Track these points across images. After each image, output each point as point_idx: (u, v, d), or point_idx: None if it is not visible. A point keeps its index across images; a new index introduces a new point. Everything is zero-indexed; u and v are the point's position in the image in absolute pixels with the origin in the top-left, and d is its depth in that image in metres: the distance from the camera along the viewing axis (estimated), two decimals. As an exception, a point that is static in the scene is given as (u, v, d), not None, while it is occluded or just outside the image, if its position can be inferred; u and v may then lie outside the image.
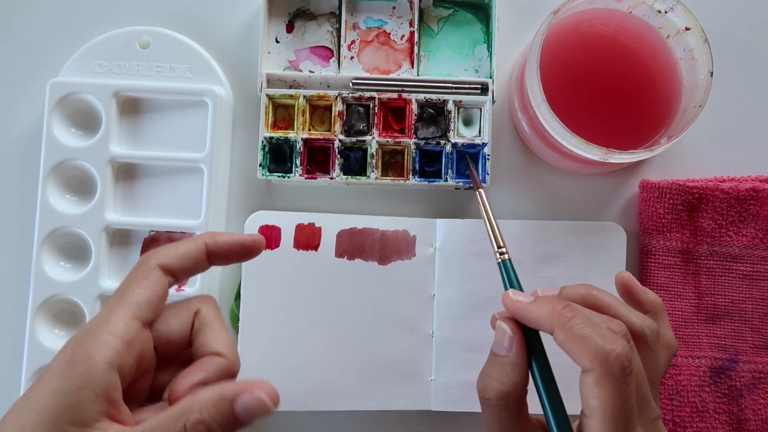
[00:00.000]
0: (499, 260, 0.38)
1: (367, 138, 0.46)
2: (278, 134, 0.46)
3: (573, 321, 0.32)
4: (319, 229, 0.46)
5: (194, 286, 0.46)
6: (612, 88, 0.45)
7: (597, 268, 0.46)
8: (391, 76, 0.47)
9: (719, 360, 0.46)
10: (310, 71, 0.48)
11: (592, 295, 0.35)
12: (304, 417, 0.47)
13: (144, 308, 0.32)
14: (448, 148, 0.46)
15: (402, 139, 0.46)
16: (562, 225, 0.46)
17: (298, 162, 0.46)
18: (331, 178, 0.46)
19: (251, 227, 0.46)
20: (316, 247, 0.46)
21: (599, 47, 0.45)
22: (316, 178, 0.46)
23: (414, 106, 0.46)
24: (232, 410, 0.31)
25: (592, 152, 0.41)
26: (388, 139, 0.46)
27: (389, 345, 0.46)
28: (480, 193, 0.41)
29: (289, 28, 0.48)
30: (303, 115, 0.46)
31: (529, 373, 0.34)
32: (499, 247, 0.39)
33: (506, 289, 0.37)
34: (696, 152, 0.48)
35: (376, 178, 0.46)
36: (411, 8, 0.48)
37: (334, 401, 0.45)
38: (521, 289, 0.37)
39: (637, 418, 0.32)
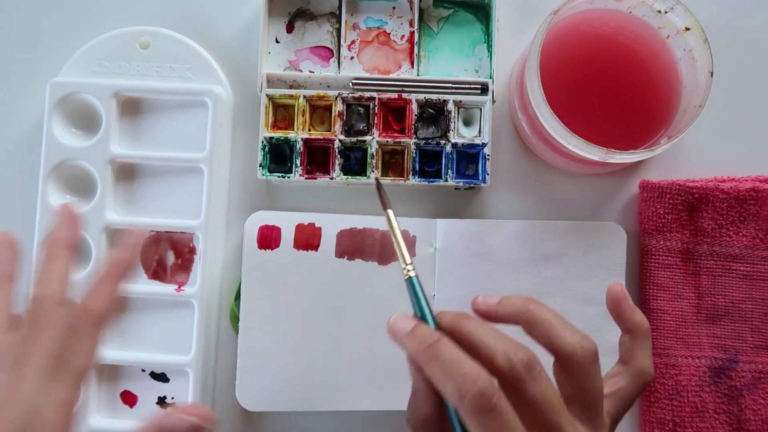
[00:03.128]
0: (406, 276, 0.36)
1: (367, 138, 0.46)
2: (278, 134, 0.46)
3: (434, 362, 0.31)
4: (319, 229, 0.46)
5: (194, 286, 0.46)
6: (612, 88, 0.45)
7: (597, 268, 0.46)
8: (391, 76, 0.47)
9: (719, 360, 0.46)
10: (310, 71, 0.48)
11: (527, 310, 0.34)
12: (304, 417, 0.47)
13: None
14: (448, 148, 0.46)
15: (402, 139, 0.46)
16: (562, 225, 0.46)
17: (298, 162, 0.46)
18: (331, 178, 0.46)
19: (251, 227, 0.46)
20: (316, 247, 0.46)
21: (599, 47, 0.45)
22: (316, 178, 0.46)
23: (414, 106, 0.46)
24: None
25: (592, 152, 0.41)
26: (388, 139, 0.46)
27: (389, 345, 0.46)
28: (388, 212, 0.38)
29: (289, 28, 0.48)
30: (303, 115, 0.46)
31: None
32: (406, 264, 0.36)
33: (414, 308, 0.36)
34: (696, 152, 0.48)
35: (376, 177, 0.46)
36: (411, 8, 0.48)
37: (334, 401, 0.45)
38: (428, 306, 0.35)
39: None
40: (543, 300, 0.45)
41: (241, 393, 0.45)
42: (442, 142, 0.46)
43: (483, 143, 0.46)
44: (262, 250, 0.46)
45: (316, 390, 0.45)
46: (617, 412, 0.35)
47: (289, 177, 0.46)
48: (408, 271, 0.36)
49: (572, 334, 0.33)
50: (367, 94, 0.46)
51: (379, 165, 0.47)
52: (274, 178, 0.46)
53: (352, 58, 0.48)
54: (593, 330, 0.46)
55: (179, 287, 0.46)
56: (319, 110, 0.48)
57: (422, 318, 0.35)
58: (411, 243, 0.46)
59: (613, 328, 0.46)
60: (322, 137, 0.46)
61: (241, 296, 0.46)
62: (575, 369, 0.32)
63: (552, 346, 0.33)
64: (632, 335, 0.36)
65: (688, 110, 0.42)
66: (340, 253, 0.46)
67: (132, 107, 0.48)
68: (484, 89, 0.46)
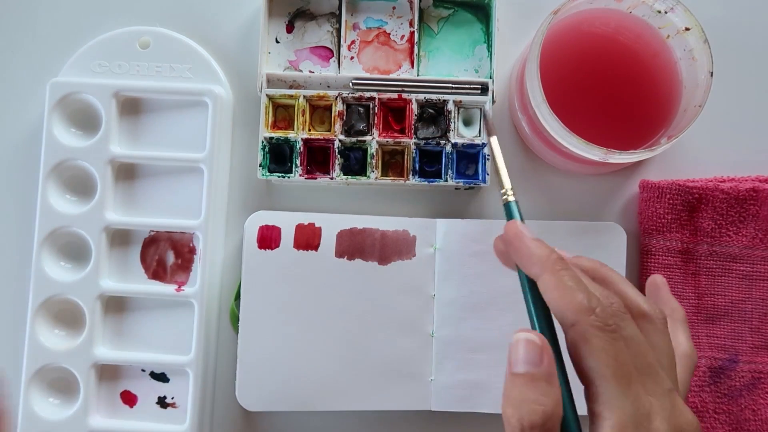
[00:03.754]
0: (505, 201, 0.35)
1: (367, 138, 0.46)
2: (278, 134, 0.46)
3: (563, 272, 0.30)
4: (319, 229, 0.46)
5: (194, 286, 0.46)
6: (612, 88, 0.45)
7: (597, 268, 0.46)
8: (391, 76, 0.47)
9: (719, 360, 0.46)
10: (310, 71, 0.48)
11: (600, 269, 0.34)
12: (304, 417, 0.47)
13: None
14: (448, 148, 0.46)
15: (402, 139, 0.46)
16: (562, 225, 0.46)
17: (298, 162, 0.46)
18: (331, 178, 0.46)
19: (251, 227, 0.46)
20: (316, 247, 0.46)
21: (599, 47, 0.45)
22: (316, 178, 0.46)
23: (414, 106, 0.46)
24: None
25: (592, 152, 0.41)
26: (388, 139, 0.46)
27: (389, 345, 0.46)
28: (491, 139, 0.37)
29: (289, 28, 0.48)
30: (303, 115, 0.46)
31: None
32: (506, 188, 0.35)
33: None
34: (696, 152, 0.48)
35: (376, 178, 0.46)
36: (411, 8, 0.48)
37: (334, 401, 0.45)
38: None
39: (644, 384, 0.29)
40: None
41: (241, 393, 0.45)
42: (442, 142, 0.46)
43: (483, 143, 0.46)
44: (263, 250, 0.46)
45: (315, 390, 0.45)
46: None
47: (289, 177, 0.46)
48: (507, 196, 0.35)
49: (642, 297, 0.33)
50: (367, 94, 0.46)
51: (379, 165, 0.47)
52: (274, 178, 0.46)
53: (352, 58, 0.48)
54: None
55: (179, 287, 0.46)
56: (319, 110, 0.48)
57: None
58: (411, 243, 0.46)
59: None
60: (322, 137, 0.46)
61: (242, 296, 0.46)
62: (651, 327, 0.32)
63: (629, 304, 0.32)
64: (672, 319, 0.36)
65: (688, 110, 0.42)
66: (340, 253, 0.46)
67: (132, 107, 0.48)
68: (484, 89, 0.46)
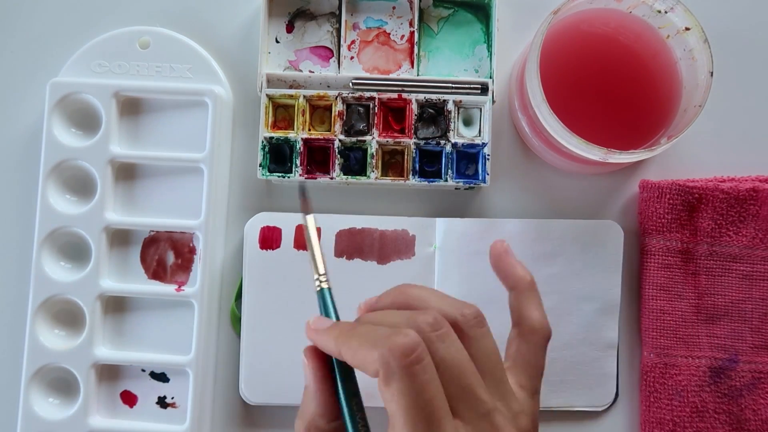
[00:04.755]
0: (318, 288, 0.36)
1: (367, 138, 0.46)
2: (278, 134, 0.46)
3: (352, 334, 0.31)
4: (319, 229, 0.46)
5: (194, 286, 0.46)
6: (612, 88, 0.45)
7: (594, 265, 0.46)
8: (391, 76, 0.47)
9: (719, 360, 0.46)
10: (310, 71, 0.48)
11: (403, 293, 0.34)
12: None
13: None
14: (448, 148, 0.46)
15: (402, 139, 0.46)
16: (559, 223, 0.46)
17: (298, 162, 0.46)
18: (331, 178, 0.46)
19: (253, 229, 0.46)
20: (315, 247, 0.46)
21: (599, 47, 0.45)
22: (316, 178, 0.46)
23: (414, 106, 0.46)
24: None
25: (592, 152, 0.41)
26: (388, 139, 0.46)
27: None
28: (307, 218, 0.37)
29: (289, 28, 0.48)
30: (303, 115, 0.46)
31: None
32: (319, 274, 0.36)
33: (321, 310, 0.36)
34: (696, 152, 0.48)
35: (376, 178, 0.46)
36: (411, 8, 0.48)
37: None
38: (337, 317, 0.35)
39: (458, 412, 0.29)
40: (542, 298, 0.45)
41: (244, 387, 0.46)
42: (442, 142, 0.46)
43: (483, 143, 0.46)
44: (264, 250, 0.46)
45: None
46: (529, 379, 0.33)
47: (289, 177, 0.46)
48: (320, 282, 0.36)
49: (450, 303, 0.32)
50: (367, 94, 0.46)
51: (379, 165, 0.47)
52: (274, 178, 0.46)
53: (352, 58, 0.48)
54: (590, 326, 0.46)
55: (179, 287, 0.46)
56: (319, 110, 0.48)
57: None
58: (410, 242, 0.46)
59: (610, 324, 0.46)
60: (322, 137, 0.46)
61: (244, 296, 0.46)
62: (468, 334, 0.31)
63: (445, 316, 0.32)
64: (516, 291, 0.35)
65: (688, 110, 0.42)
66: (339, 253, 0.46)
67: (132, 107, 0.48)
68: (484, 89, 0.46)
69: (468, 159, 0.47)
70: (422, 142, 0.46)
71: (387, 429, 0.30)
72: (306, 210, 0.37)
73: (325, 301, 0.35)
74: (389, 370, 0.29)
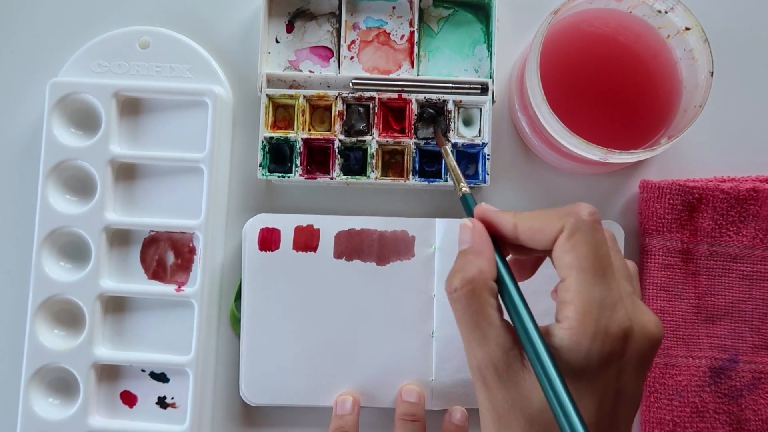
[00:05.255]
0: (461, 194, 0.39)
1: (367, 138, 0.46)
2: (278, 134, 0.46)
3: (527, 212, 0.34)
4: (318, 230, 0.46)
5: (194, 286, 0.46)
6: (612, 88, 0.45)
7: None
8: (391, 76, 0.47)
9: (719, 360, 0.46)
10: (310, 71, 0.48)
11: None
12: (305, 416, 0.47)
13: None
14: (448, 148, 0.46)
15: (402, 139, 0.46)
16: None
17: (298, 162, 0.46)
18: (331, 178, 0.46)
19: (252, 230, 0.46)
20: (314, 249, 0.46)
21: (599, 47, 0.45)
22: (316, 178, 0.46)
23: (414, 106, 0.46)
24: None
25: (592, 152, 0.41)
26: (388, 139, 0.46)
27: (389, 345, 0.46)
28: (445, 148, 0.44)
29: (289, 28, 0.48)
30: (303, 115, 0.46)
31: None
32: (461, 182, 0.40)
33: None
34: (696, 152, 0.48)
35: (376, 178, 0.46)
36: (411, 8, 0.48)
37: (333, 398, 0.45)
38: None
39: (614, 280, 0.31)
40: (542, 298, 0.46)
41: (245, 388, 0.46)
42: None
43: (483, 143, 0.46)
44: (263, 251, 0.46)
45: (316, 389, 0.46)
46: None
47: (289, 177, 0.46)
48: (463, 187, 0.40)
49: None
50: (367, 94, 0.46)
51: (379, 165, 0.47)
52: (274, 178, 0.46)
53: (352, 58, 0.48)
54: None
55: (179, 287, 0.46)
56: (319, 110, 0.48)
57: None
58: (410, 243, 0.46)
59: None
60: (322, 137, 0.46)
61: (244, 297, 0.46)
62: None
63: None
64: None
65: (688, 110, 0.42)
66: (338, 254, 0.46)
67: (132, 107, 0.48)
68: (484, 89, 0.46)
69: (468, 159, 0.47)
70: (422, 142, 0.46)
71: (559, 283, 0.32)
72: (440, 143, 0.45)
73: (469, 203, 0.38)
74: (576, 225, 0.31)
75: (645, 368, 0.32)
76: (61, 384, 0.46)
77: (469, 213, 0.37)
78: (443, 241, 0.46)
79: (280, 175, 0.46)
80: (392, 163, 0.48)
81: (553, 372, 0.29)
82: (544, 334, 0.31)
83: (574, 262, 0.31)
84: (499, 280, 0.33)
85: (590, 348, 0.30)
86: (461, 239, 0.35)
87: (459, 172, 0.41)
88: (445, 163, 0.44)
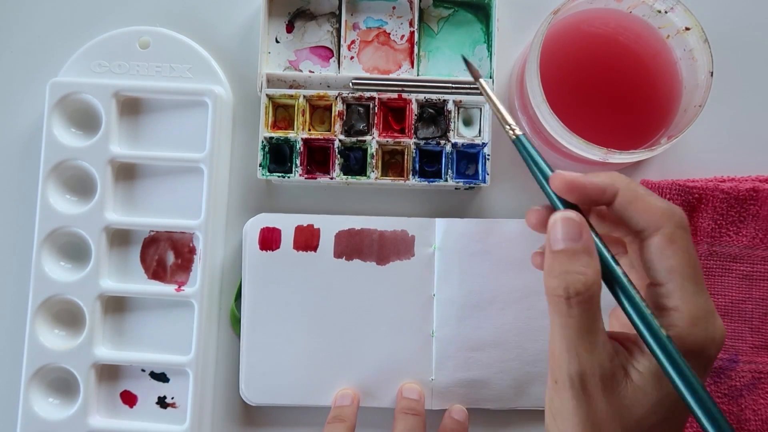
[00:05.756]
0: (513, 137, 0.34)
1: (367, 138, 0.46)
2: (278, 134, 0.46)
3: (635, 185, 0.32)
4: (318, 230, 0.46)
5: (194, 286, 0.46)
6: (612, 88, 0.45)
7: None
8: (391, 76, 0.47)
9: (719, 360, 0.46)
10: (310, 71, 0.48)
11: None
12: (305, 416, 0.47)
13: None
14: (448, 148, 0.46)
15: (402, 139, 0.46)
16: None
17: (298, 162, 0.46)
18: (331, 178, 0.46)
19: (252, 230, 0.46)
20: (315, 248, 0.46)
21: (599, 47, 0.45)
22: (316, 178, 0.46)
23: (414, 106, 0.46)
24: None
25: (592, 152, 0.41)
26: (388, 139, 0.46)
27: (389, 344, 0.46)
28: (481, 82, 0.37)
29: (289, 28, 0.48)
30: (303, 115, 0.46)
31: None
32: (509, 124, 0.35)
33: (531, 165, 0.34)
34: (696, 152, 0.48)
35: (376, 178, 0.46)
36: (411, 8, 0.48)
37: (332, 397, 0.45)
38: (544, 161, 0.34)
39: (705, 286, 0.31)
40: (541, 297, 0.45)
41: (245, 388, 0.46)
42: (442, 142, 0.46)
43: (483, 143, 0.46)
44: (264, 251, 0.46)
45: (316, 389, 0.46)
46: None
47: (289, 177, 0.46)
48: (514, 131, 0.35)
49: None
50: (367, 94, 0.46)
51: (379, 165, 0.47)
52: (274, 178, 0.46)
53: (352, 58, 0.48)
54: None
55: (179, 287, 0.46)
56: (319, 110, 0.48)
57: (540, 173, 0.34)
58: (410, 243, 0.46)
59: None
60: (322, 137, 0.46)
61: (244, 296, 0.46)
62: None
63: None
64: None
65: (688, 110, 0.42)
66: (338, 254, 0.46)
67: (132, 107, 0.48)
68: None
69: (468, 159, 0.47)
70: (422, 142, 0.46)
71: (650, 286, 0.32)
72: (476, 75, 0.38)
73: (525, 146, 0.34)
74: (679, 229, 0.31)
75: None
76: (61, 384, 0.46)
77: (530, 161, 0.34)
78: (443, 241, 0.46)
79: (280, 175, 0.46)
80: (392, 163, 0.48)
81: (684, 366, 0.29)
82: (635, 343, 0.31)
83: (678, 269, 0.31)
84: (608, 274, 0.31)
85: (699, 356, 0.30)
86: (566, 235, 0.31)
87: (504, 111, 0.35)
88: (488, 101, 0.37)
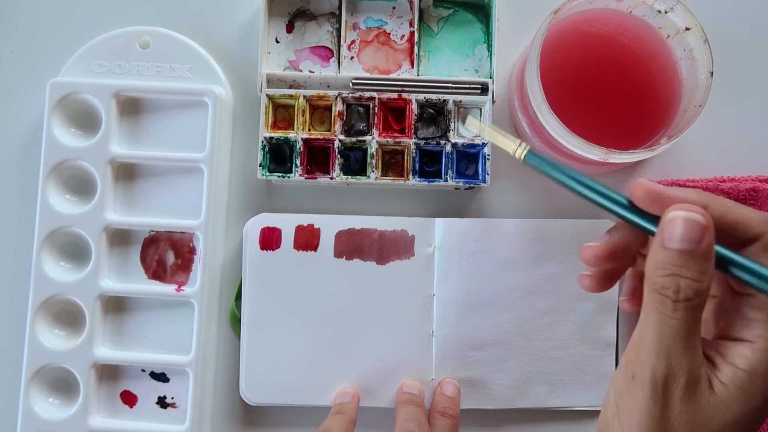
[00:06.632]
0: (522, 156, 0.35)
1: (367, 138, 0.46)
2: (278, 134, 0.46)
3: (721, 198, 0.31)
4: (318, 230, 0.46)
5: (194, 286, 0.46)
6: (612, 88, 0.45)
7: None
8: (391, 76, 0.47)
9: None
10: (310, 71, 0.48)
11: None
12: (305, 416, 0.47)
13: None
14: (448, 148, 0.46)
15: (402, 139, 0.46)
16: (559, 223, 0.47)
17: (298, 162, 0.46)
18: (331, 178, 0.46)
19: (253, 229, 0.46)
20: (315, 248, 0.46)
21: (599, 47, 0.45)
22: (316, 178, 0.46)
23: (414, 106, 0.46)
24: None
25: (592, 152, 0.41)
26: (388, 139, 0.46)
27: (389, 344, 0.46)
28: (481, 125, 0.39)
29: (289, 28, 0.48)
30: (303, 115, 0.46)
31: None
32: (516, 144, 0.35)
33: (549, 172, 0.34)
34: (696, 152, 0.48)
35: (376, 178, 0.46)
36: (411, 8, 0.48)
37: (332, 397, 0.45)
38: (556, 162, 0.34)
39: None
40: (541, 297, 0.46)
41: (245, 387, 0.46)
42: (442, 142, 0.46)
43: (483, 143, 0.46)
44: (264, 251, 0.46)
45: (316, 389, 0.46)
46: None
47: (289, 177, 0.46)
48: (523, 149, 0.35)
49: None
50: (367, 94, 0.46)
51: (379, 165, 0.47)
52: (274, 177, 0.46)
53: (352, 58, 0.48)
54: (589, 325, 0.47)
55: (179, 287, 0.46)
56: (319, 110, 0.48)
57: (559, 171, 0.34)
58: (410, 243, 0.46)
59: (609, 323, 0.46)
60: (322, 137, 0.46)
61: (244, 296, 0.46)
62: None
63: None
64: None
65: (688, 110, 0.42)
66: (338, 254, 0.46)
67: (132, 107, 0.48)
68: (484, 89, 0.46)
69: (468, 159, 0.47)
70: (422, 142, 0.46)
71: (744, 298, 0.31)
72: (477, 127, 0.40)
73: (538, 159, 0.34)
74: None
75: None
76: (61, 384, 0.46)
77: (548, 170, 0.34)
78: (443, 241, 0.46)
79: (280, 175, 0.46)
80: (392, 163, 0.48)
81: None
82: (719, 353, 0.30)
83: None
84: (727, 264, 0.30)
85: None
86: (686, 236, 0.29)
87: (503, 134, 0.36)
88: (488, 136, 0.37)
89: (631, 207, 0.32)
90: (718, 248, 0.30)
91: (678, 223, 0.29)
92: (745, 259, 0.30)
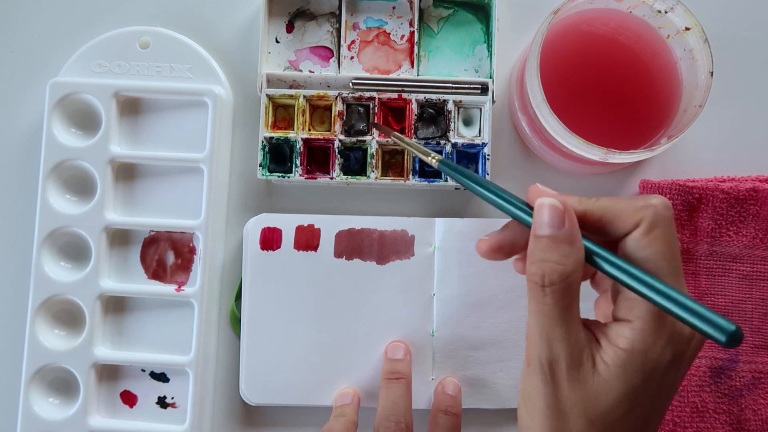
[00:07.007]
0: (437, 165, 0.38)
1: (367, 138, 0.46)
2: (278, 134, 0.46)
3: (597, 199, 0.32)
4: (318, 230, 0.46)
5: (194, 286, 0.46)
6: (612, 88, 0.45)
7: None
8: (391, 76, 0.47)
9: (719, 360, 0.46)
10: (310, 71, 0.48)
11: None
12: (306, 416, 0.47)
13: None
14: (448, 148, 0.46)
15: (402, 139, 0.46)
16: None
17: (298, 162, 0.46)
18: (331, 178, 0.46)
19: (254, 230, 0.46)
20: (315, 248, 0.46)
21: (599, 47, 0.45)
22: (316, 178, 0.46)
23: (414, 106, 0.46)
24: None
25: (592, 152, 0.41)
26: (388, 139, 0.46)
27: (385, 342, 0.46)
28: (393, 135, 0.44)
29: (289, 28, 0.48)
30: (303, 115, 0.46)
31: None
32: (429, 155, 0.39)
33: (463, 181, 0.36)
34: (696, 152, 0.48)
35: (376, 178, 0.46)
36: (411, 8, 0.48)
37: (332, 397, 0.45)
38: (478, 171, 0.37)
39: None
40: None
41: (245, 387, 0.46)
42: (442, 142, 0.46)
43: (483, 143, 0.46)
44: (265, 251, 0.46)
45: (316, 389, 0.46)
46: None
47: (289, 177, 0.46)
48: (434, 158, 0.39)
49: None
50: (367, 94, 0.46)
51: (379, 165, 0.47)
52: (274, 178, 0.46)
53: (352, 58, 0.48)
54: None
55: (179, 287, 0.46)
56: (319, 110, 0.48)
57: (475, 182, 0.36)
58: (410, 242, 0.46)
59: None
60: (322, 137, 0.46)
61: (244, 296, 0.46)
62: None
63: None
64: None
65: (688, 110, 0.42)
66: (338, 254, 0.46)
67: (132, 107, 0.48)
68: (484, 89, 0.46)
69: (468, 159, 0.47)
70: (422, 142, 0.46)
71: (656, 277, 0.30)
72: (386, 134, 0.45)
73: (451, 166, 0.38)
74: (655, 219, 0.30)
75: (690, 366, 0.32)
76: (61, 384, 0.46)
77: (466, 178, 0.36)
78: (443, 241, 0.46)
79: (280, 175, 0.46)
80: (392, 163, 0.48)
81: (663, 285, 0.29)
82: (605, 334, 0.31)
83: (651, 260, 0.30)
84: (592, 255, 0.31)
85: (664, 350, 0.30)
86: (549, 222, 0.31)
87: (420, 146, 0.41)
88: (406, 147, 0.43)
89: (524, 207, 0.33)
90: (586, 242, 0.31)
91: (544, 210, 0.31)
92: (603, 250, 0.31)
